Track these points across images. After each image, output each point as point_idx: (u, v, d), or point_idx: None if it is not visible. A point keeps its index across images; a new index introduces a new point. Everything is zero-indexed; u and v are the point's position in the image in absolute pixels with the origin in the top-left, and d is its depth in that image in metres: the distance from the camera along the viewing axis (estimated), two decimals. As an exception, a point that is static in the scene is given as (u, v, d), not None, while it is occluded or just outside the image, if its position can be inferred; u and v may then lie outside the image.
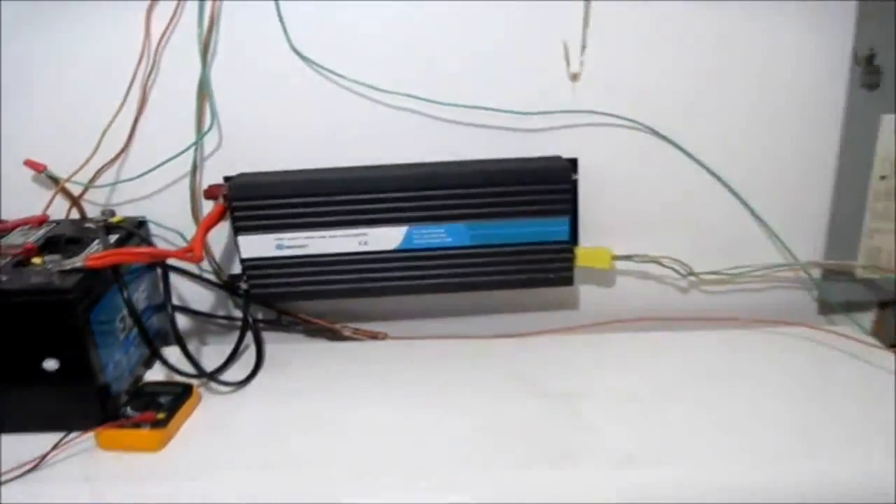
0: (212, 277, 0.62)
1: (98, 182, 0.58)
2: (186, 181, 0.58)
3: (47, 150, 0.57)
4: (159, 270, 0.55)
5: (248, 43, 0.55)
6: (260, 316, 0.63)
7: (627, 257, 0.60)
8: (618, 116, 0.57)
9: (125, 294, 0.49)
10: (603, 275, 0.62)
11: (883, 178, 0.59)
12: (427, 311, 0.64)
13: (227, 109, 0.57)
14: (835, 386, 0.52)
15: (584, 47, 0.55)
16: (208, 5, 0.54)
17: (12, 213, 0.57)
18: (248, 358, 0.57)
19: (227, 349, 0.56)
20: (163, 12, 0.54)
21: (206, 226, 0.53)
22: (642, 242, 0.60)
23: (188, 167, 0.58)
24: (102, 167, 0.57)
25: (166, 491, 0.44)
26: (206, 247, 0.59)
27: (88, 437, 0.47)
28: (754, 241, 0.61)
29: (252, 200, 0.55)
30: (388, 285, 0.58)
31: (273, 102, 0.57)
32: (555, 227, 0.56)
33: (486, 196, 0.55)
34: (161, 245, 0.59)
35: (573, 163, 0.57)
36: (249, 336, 0.58)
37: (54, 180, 0.57)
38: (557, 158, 0.58)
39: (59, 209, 0.59)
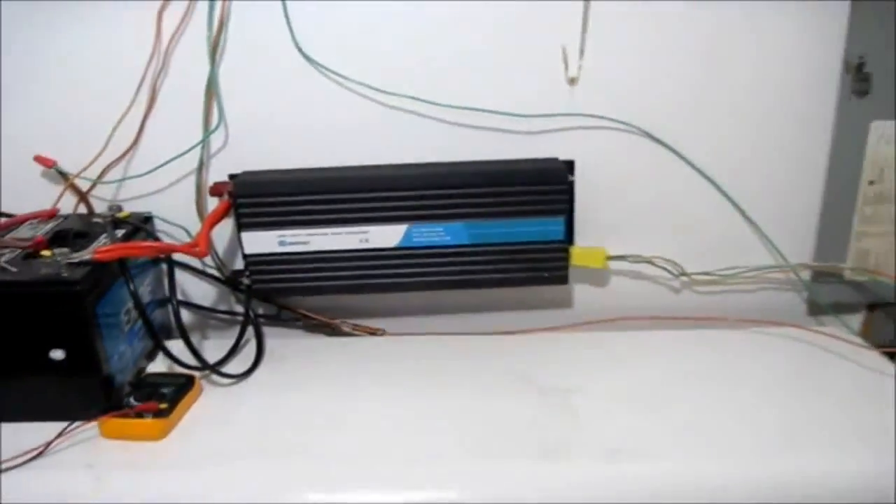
0: (215, 273, 0.63)
1: (106, 178, 0.59)
2: (192, 178, 0.59)
3: (57, 146, 0.58)
4: (164, 265, 0.57)
5: (256, 44, 0.56)
6: (261, 311, 0.64)
7: (621, 257, 0.61)
8: (614, 120, 0.58)
9: (131, 287, 0.50)
10: (597, 274, 0.63)
11: (872, 182, 0.60)
12: (425, 308, 0.64)
13: (234, 109, 0.58)
14: (822, 385, 0.53)
15: (582, 52, 0.56)
16: (218, 7, 0.55)
17: (21, 208, 0.58)
18: (248, 352, 0.58)
19: (228, 343, 0.57)
20: (174, 13, 0.55)
21: (211, 222, 0.54)
22: (636, 243, 0.61)
23: (195, 164, 0.59)
24: (111, 163, 0.58)
25: (168, 479, 0.45)
26: (210, 242, 0.60)
27: (92, 426, 0.47)
28: (745, 243, 0.62)
29: (256, 198, 0.56)
30: (387, 282, 0.58)
31: (279, 102, 0.58)
32: (551, 227, 0.57)
33: (484, 196, 0.56)
34: (166, 240, 0.60)
35: (570, 164, 0.58)
36: (250, 331, 0.59)
37: (63, 176, 0.58)
38: (554, 160, 0.59)
39: (67, 204, 0.60)
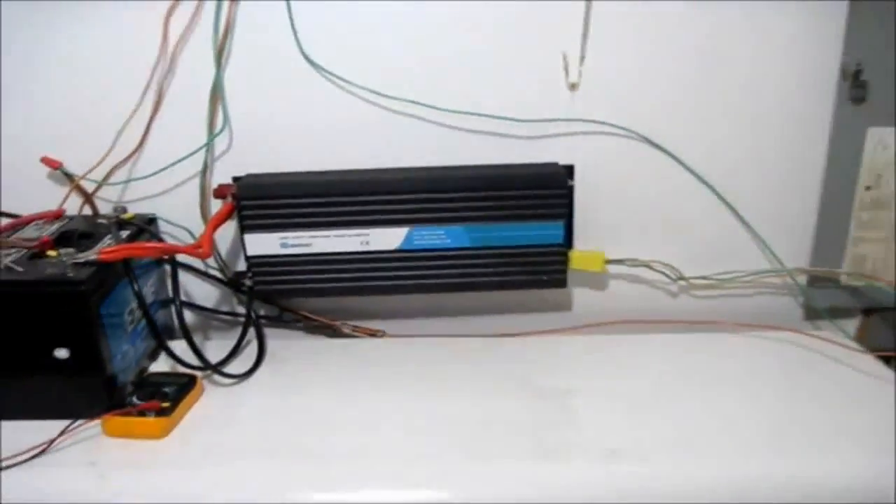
0: (217, 274, 0.63)
1: (111, 180, 0.60)
2: (197, 180, 0.60)
3: (63, 148, 0.59)
4: (168, 266, 0.57)
5: (261, 48, 0.57)
6: (262, 312, 0.64)
7: (620, 261, 0.61)
8: (613, 125, 0.59)
9: (136, 287, 0.51)
10: (596, 278, 0.64)
11: (868, 188, 0.61)
12: (425, 311, 0.65)
13: (239, 112, 0.58)
14: (818, 389, 0.54)
15: (582, 58, 0.57)
16: (224, 11, 0.55)
17: (26, 209, 0.59)
18: (250, 352, 0.58)
19: (230, 344, 0.58)
20: (180, 17, 0.56)
21: (215, 223, 0.55)
22: (634, 247, 0.62)
23: (199, 167, 0.59)
24: (116, 165, 0.59)
25: (169, 477, 0.45)
26: (213, 244, 0.60)
27: (95, 425, 0.48)
28: (743, 248, 0.62)
29: (259, 200, 0.56)
30: (388, 284, 0.59)
31: (283, 106, 0.58)
32: (550, 231, 0.58)
33: (484, 199, 0.57)
34: (170, 241, 0.61)
35: (569, 169, 0.59)
36: (251, 332, 0.59)
37: (69, 177, 0.59)
38: (554, 164, 0.59)
39: (72, 206, 0.60)
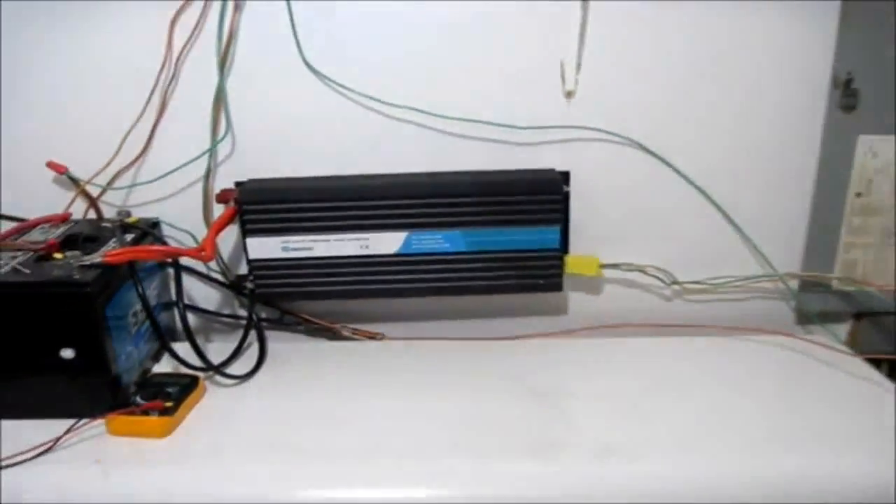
0: (219, 277, 0.64)
1: (116, 184, 0.61)
2: (200, 185, 0.61)
3: (69, 153, 0.59)
4: (171, 270, 0.58)
5: (264, 56, 0.58)
6: (263, 315, 0.65)
7: (614, 266, 0.62)
8: (609, 132, 0.60)
9: (140, 289, 0.52)
10: (591, 282, 0.64)
11: (859, 195, 0.61)
12: (423, 314, 0.65)
13: (242, 118, 0.59)
14: (808, 391, 0.54)
15: (579, 67, 0.58)
16: (228, 19, 0.56)
17: (32, 212, 0.60)
18: (251, 354, 0.59)
19: (231, 346, 0.58)
20: (185, 25, 0.56)
21: (218, 227, 0.55)
22: (629, 252, 0.62)
23: (202, 172, 0.60)
24: (121, 170, 0.60)
25: (172, 475, 0.46)
26: (216, 247, 0.61)
27: (99, 424, 0.49)
28: (736, 253, 0.63)
29: (261, 205, 0.57)
30: (387, 288, 0.60)
31: (285, 113, 0.59)
32: (546, 236, 0.58)
33: (482, 205, 0.57)
34: (173, 245, 0.61)
35: (565, 175, 0.60)
36: (253, 334, 0.60)
37: (74, 181, 0.60)
38: (550, 171, 0.60)
39: (77, 210, 0.61)
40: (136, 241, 0.56)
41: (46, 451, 0.46)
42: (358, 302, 0.64)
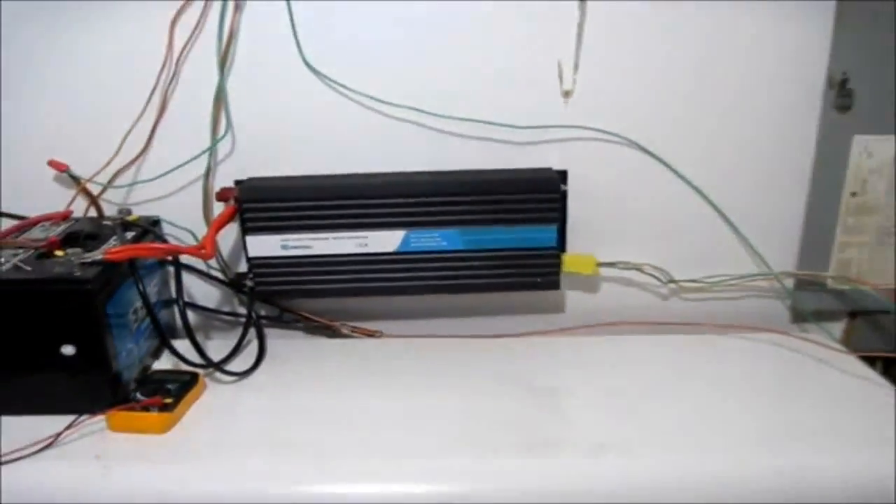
0: (219, 275, 0.64)
1: (116, 182, 0.61)
2: (200, 184, 0.61)
3: (70, 151, 0.60)
4: (171, 268, 0.58)
5: (264, 56, 0.58)
6: (263, 312, 0.65)
7: (611, 264, 0.62)
8: (606, 132, 0.60)
9: (140, 286, 0.52)
10: (588, 280, 0.65)
11: (853, 194, 0.62)
12: (421, 312, 0.66)
13: (241, 117, 0.60)
14: (803, 388, 0.55)
15: (576, 67, 0.58)
16: (228, 19, 0.57)
17: (33, 210, 0.60)
18: (250, 352, 0.59)
19: (231, 344, 0.59)
20: (185, 24, 0.57)
21: (218, 225, 0.56)
22: (626, 250, 0.63)
23: (202, 170, 0.60)
24: (121, 168, 0.60)
25: (171, 470, 0.46)
26: (216, 245, 0.61)
27: (99, 420, 0.49)
28: (731, 252, 0.63)
29: (261, 203, 0.57)
30: (385, 286, 0.60)
31: (284, 112, 0.60)
32: (544, 235, 0.59)
33: (480, 203, 0.58)
34: (173, 243, 0.62)
35: (563, 174, 0.60)
36: (252, 332, 0.60)
37: (75, 180, 0.60)
38: (548, 170, 0.60)
39: (78, 208, 0.61)
40: (136, 239, 0.56)
41: (47, 447, 0.46)
42: (356, 300, 0.64)
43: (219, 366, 0.56)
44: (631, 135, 0.60)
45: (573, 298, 0.66)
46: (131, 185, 0.61)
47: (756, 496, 0.45)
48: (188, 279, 0.64)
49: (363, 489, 0.45)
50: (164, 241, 0.60)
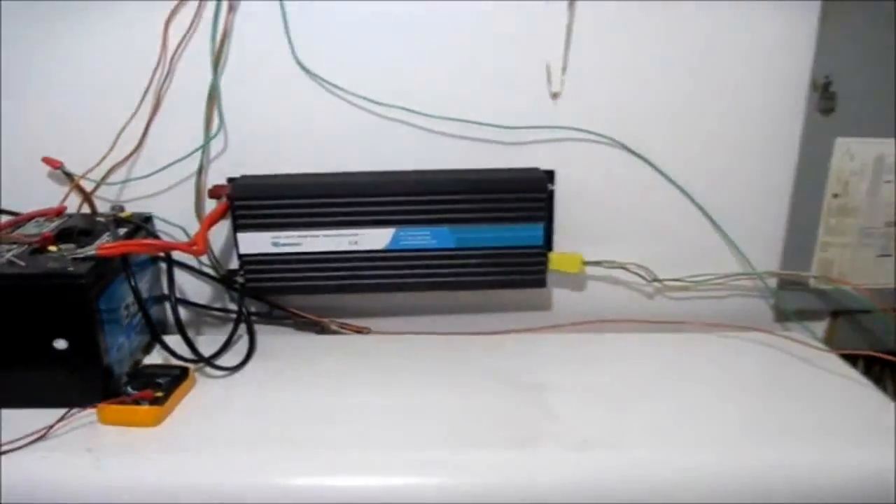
0: (210, 272, 0.65)
1: (110, 179, 0.61)
2: (192, 181, 0.61)
3: (64, 148, 0.60)
4: (163, 264, 0.59)
5: (257, 55, 0.59)
6: (253, 309, 0.66)
7: (597, 263, 0.63)
8: (593, 133, 0.61)
9: (132, 281, 0.53)
10: (574, 279, 0.65)
11: (836, 195, 0.63)
12: (410, 309, 0.66)
13: (234, 116, 0.60)
14: (785, 386, 0.56)
15: (564, 69, 0.59)
16: (222, 19, 0.57)
17: (27, 206, 0.60)
18: (240, 347, 0.60)
19: (221, 339, 0.59)
20: (180, 23, 0.57)
21: (209, 222, 0.56)
22: (611, 249, 0.63)
23: (195, 168, 0.61)
24: (115, 166, 0.61)
25: (162, 462, 0.46)
26: (207, 242, 0.61)
27: (91, 413, 0.49)
28: (716, 251, 0.64)
29: (252, 200, 0.58)
30: (374, 283, 0.61)
31: (277, 111, 0.60)
32: (531, 233, 0.59)
33: (469, 202, 0.58)
34: (165, 239, 0.62)
35: (550, 174, 0.61)
36: (242, 328, 0.61)
37: (69, 176, 0.61)
38: (535, 170, 0.61)
39: (71, 204, 0.62)
40: (129, 235, 0.57)
41: (39, 440, 0.47)
42: (346, 297, 0.65)
43: (209, 361, 0.56)
44: (617, 136, 0.61)
45: (559, 296, 0.67)
46: (124, 182, 0.62)
47: (739, 492, 0.45)
48: (180, 275, 0.65)
49: (350, 482, 0.46)
50: (157, 237, 0.61)
